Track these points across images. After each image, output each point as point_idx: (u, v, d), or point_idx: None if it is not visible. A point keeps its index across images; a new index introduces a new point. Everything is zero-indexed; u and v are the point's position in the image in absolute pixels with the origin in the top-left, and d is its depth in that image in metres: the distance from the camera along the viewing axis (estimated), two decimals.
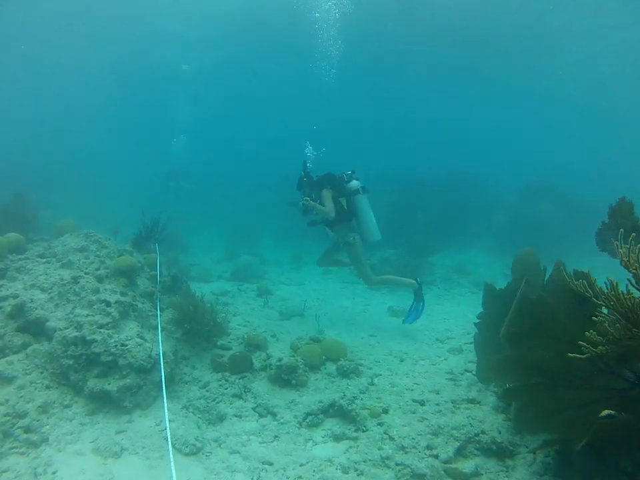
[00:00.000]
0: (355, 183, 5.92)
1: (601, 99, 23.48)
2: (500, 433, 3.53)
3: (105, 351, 3.84)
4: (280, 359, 4.23)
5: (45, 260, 4.66)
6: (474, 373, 4.46)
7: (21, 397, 3.47)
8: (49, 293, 4.22)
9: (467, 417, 3.70)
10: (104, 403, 3.75)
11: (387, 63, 19.64)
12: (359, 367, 4.43)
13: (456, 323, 6.28)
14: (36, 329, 3.97)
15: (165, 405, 3.38)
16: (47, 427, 3.40)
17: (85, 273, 4.55)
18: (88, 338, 3.85)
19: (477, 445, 3.47)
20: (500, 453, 3.37)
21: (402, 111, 27.50)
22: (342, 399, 3.91)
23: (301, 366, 4.22)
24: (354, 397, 3.95)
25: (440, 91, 23.63)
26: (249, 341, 4.70)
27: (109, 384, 3.76)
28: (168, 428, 3.18)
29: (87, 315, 4.07)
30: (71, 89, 26.25)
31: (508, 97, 24.64)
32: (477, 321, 4.31)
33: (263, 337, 4.80)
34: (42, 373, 3.76)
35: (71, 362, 3.77)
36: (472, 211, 11.68)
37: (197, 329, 4.53)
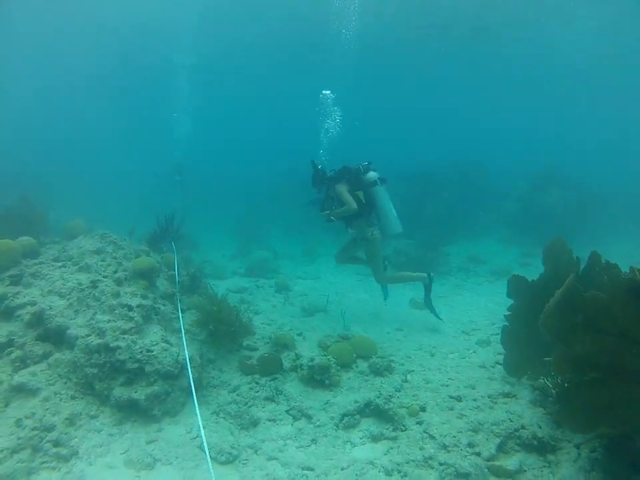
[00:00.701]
0: (372, 174, 5.68)
1: (610, 83, 22.90)
2: (540, 427, 3.40)
3: (130, 357, 3.68)
4: (312, 359, 4.07)
5: (60, 264, 4.48)
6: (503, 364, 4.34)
7: (47, 409, 3.32)
8: (68, 299, 4.04)
9: (506, 412, 3.58)
10: (131, 411, 3.60)
11: (393, 55, 19.26)
12: (391, 364, 4.28)
13: (479, 314, 6.12)
14: (56, 337, 3.81)
15: (198, 413, 3.23)
16: (76, 439, 3.25)
17: (104, 277, 4.37)
18: (112, 345, 3.69)
19: (518, 441, 3.35)
20: (542, 448, 3.24)
21: (409, 102, 27.04)
22: (378, 397, 3.76)
23: (333, 365, 4.07)
24: (390, 396, 3.80)
25: (446, 80, 23.21)
26: (277, 340, 4.54)
27: (136, 392, 3.61)
28: (203, 436, 3.04)
29: (109, 321, 3.90)
30: (69, 87, 25.87)
31: (515, 84, 24.17)
32: (507, 313, 4.17)
33: (290, 336, 4.64)
34: (66, 383, 3.60)
35: (95, 370, 3.61)
36: (481, 200, 11.47)
37: (222, 330, 4.36)
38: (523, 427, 3.40)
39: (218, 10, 16.69)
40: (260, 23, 17.18)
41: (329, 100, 8.02)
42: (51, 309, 3.87)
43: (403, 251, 9.36)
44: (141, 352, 3.73)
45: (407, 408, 3.70)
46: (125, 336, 3.81)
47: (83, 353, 3.68)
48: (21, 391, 3.37)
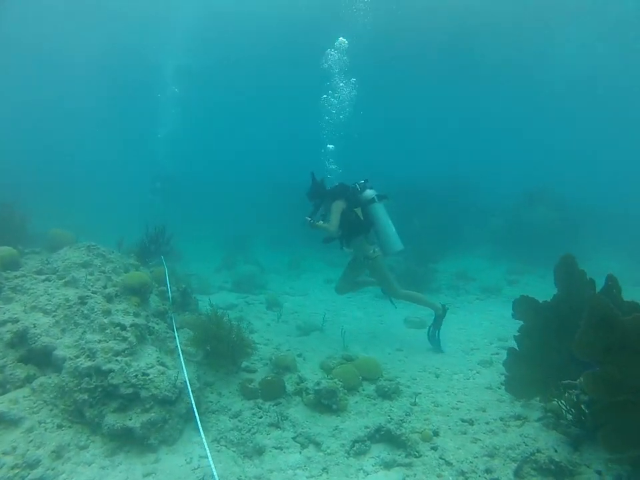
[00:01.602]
0: (369, 192, 5.62)
1: (596, 102, 23.97)
2: (556, 451, 3.34)
3: (124, 382, 3.37)
4: (318, 383, 3.87)
5: (44, 277, 4.11)
6: None
7: (31, 441, 2.97)
8: (54, 316, 3.70)
9: (520, 435, 3.51)
10: (125, 441, 3.28)
11: (379, 67, 19.59)
12: (399, 387, 4.14)
13: (475, 332, 6.11)
14: (41, 359, 3.46)
15: (205, 441, 2.98)
16: (64, 475, 2.91)
17: (93, 292, 4.04)
18: (104, 368, 3.38)
19: (534, 465, 3.26)
20: (559, 472, 3.16)
21: (396, 115, 27.48)
22: (389, 422, 3.60)
23: (340, 389, 3.89)
24: (401, 420, 3.65)
25: (435, 94, 23.76)
26: (277, 362, 4.32)
27: (131, 419, 3.30)
28: (213, 467, 2.78)
29: (100, 341, 3.59)
30: (54, 90, 24.89)
31: (504, 101, 24.96)
32: (516, 334, 4.15)
33: (292, 358, 4.42)
34: (52, 410, 3.25)
35: (86, 396, 3.28)
36: (467, 216, 11.71)
37: (222, 350, 4.10)
38: (538, 451, 3.33)
39: (213, 14, 16.56)
40: (254, 30, 17.12)
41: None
42: (35, 327, 3.52)
43: (392, 267, 9.36)
44: (136, 376, 3.43)
45: (420, 433, 3.56)
46: (118, 358, 3.50)
47: (72, 376, 3.34)
48: (0, 421, 3.01)
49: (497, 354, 5.24)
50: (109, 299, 4.08)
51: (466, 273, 9.20)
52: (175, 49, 18.71)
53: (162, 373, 3.58)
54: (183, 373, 3.65)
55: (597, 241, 10.44)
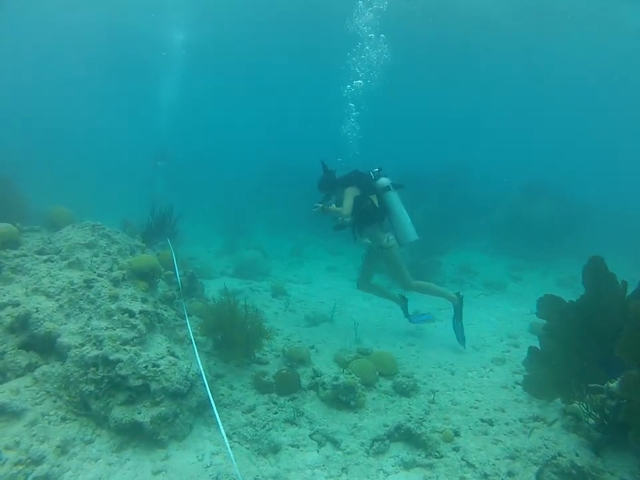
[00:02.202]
0: (384, 180, 5.41)
1: (599, 98, 23.77)
2: (578, 455, 3.24)
3: (133, 373, 3.16)
4: (336, 378, 3.71)
5: (45, 257, 3.83)
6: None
7: (34, 435, 2.76)
8: (57, 300, 3.45)
9: (540, 438, 3.42)
10: (133, 435, 3.09)
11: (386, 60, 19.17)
12: (416, 384, 4.01)
13: (484, 329, 5.99)
14: (44, 346, 3.22)
15: (229, 451, 2.80)
16: (69, 472, 2.71)
17: (98, 275, 3.80)
18: (111, 357, 3.16)
19: (555, 469, 3.16)
20: (581, 478, 3.09)
21: (399, 107, 26.99)
22: (409, 421, 3.48)
23: (358, 384, 3.74)
24: (421, 419, 3.53)
25: (438, 88, 23.36)
26: (292, 354, 4.14)
27: (140, 413, 3.10)
28: (236, 466, 2.62)
29: (107, 328, 3.36)
30: (51, 65, 23.91)
31: (506, 95, 24.60)
32: (542, 332, 4.04)
33: (306, 351, 4.25)
34: (55, 401, 3.04)
35: (92, 387, 3.07)
36: (467, 209, 11.55)
37: (236, 340, 3.90)
38: (560, 455, 3.23)
39: None
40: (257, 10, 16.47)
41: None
42: (37, 311, 3.27)
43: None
44: (146, 367, 3.22)
45: (441, 433, 3.44)
46: (127, 347, 3.29)
47: (77, 366, 3.12)
48: (1, 413, 2.79)
49: (508, 352, 5.15)
50: (115, 282, 3.84)
51: (469, 266, 9.11)
52: (176, 22, 18.01)
53: (173, 364, 3.37)
54: (197, 363, 3.45)
55: (594, 237, 10.41)
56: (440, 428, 3.48)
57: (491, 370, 4.62)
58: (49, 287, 3.49)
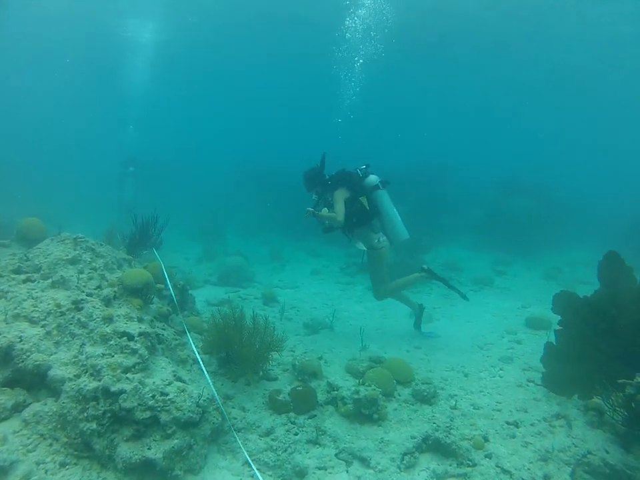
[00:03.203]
0: (372, 178, 5.30)
1: (573, 95, 24.26)
2: (608, 452, 3.24)
3: (139, 404, 2.80)
4: (357, 391, 3.50)
5: (24, 277, 3.35)
6: (537, 382, 4.22)
7: None
8: (44, 326, 3.00)
9: (568, 436, 3.41)
10: (143, 474, 2.73)
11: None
12: (436, 390, 3.88)
13: (482, 326, 6.00)
14: (32, 382, 2.79)
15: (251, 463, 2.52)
16: None
17: (87, 295, 3.37)
18: (113, 389, 2.78)
19: (587, 468, 3.14)
20: (615, 476, 3.06)
21: (377, 104, 26.93)
22: (436, 430, 3.33)
23: (380, 396, 3.55)
24: (449, 427, 3.39)
25: (415, 83, 23.43)
26: (303, 368, 3.88)
27: (150, 449, 2.74)
28: None
29: (104, 355, 2.97)
30: (17, 66, 21.99)
31: (484, 90, 24.97)
32: (557, 328, 4.04)
33: (318, 363, 4.00)
34: (51, 445, 2.62)
35: (94, 425, 2.68)
36: (447, 207, 11.72)
37: (244, 356, 3.59)
38: (590, 453, 3.22)
39: None
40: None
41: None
42: (21, 341, 2.82)
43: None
44: (153, 396, 2.87)
45: (470, 440, 3.32)
46: (129, 375, 2.92)
47: (74, 401, 2.72)
48: None
49: (512, 349, 5.16)
50: (107, 302, 3.43)
51: (455, 263, 9.20)
52: (147, 21, 17.11)
53: (182, 391, 3.03)
54: (210, 387, 3.13)
55: (569, 232, 10.87)
56: (469, 435, 3.37)
57: (501, 369, 4.58)
58: (32, 312, 3.04)
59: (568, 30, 15.47)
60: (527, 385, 4.21)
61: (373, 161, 5.53)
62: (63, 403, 2.71)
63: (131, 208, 10.18)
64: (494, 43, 17.53)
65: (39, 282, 3.35)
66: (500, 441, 3.37)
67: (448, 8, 14.43)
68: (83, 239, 3.85)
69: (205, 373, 3.22)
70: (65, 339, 3.02)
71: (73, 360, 2.91)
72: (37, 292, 3.22)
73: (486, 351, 5.10)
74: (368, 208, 5.18)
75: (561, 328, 3.94)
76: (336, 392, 3.66)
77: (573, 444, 3.34)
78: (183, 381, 3.20)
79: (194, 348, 3.49)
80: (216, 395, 3.06)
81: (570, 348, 3.86)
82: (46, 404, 2.72)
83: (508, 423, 3.56)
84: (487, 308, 6.83)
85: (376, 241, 5.21)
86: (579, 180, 18.16)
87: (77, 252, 3.71)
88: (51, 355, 2.88)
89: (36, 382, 2.79)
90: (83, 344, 3.04)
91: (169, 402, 2.90)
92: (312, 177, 5.32)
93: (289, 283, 8.18)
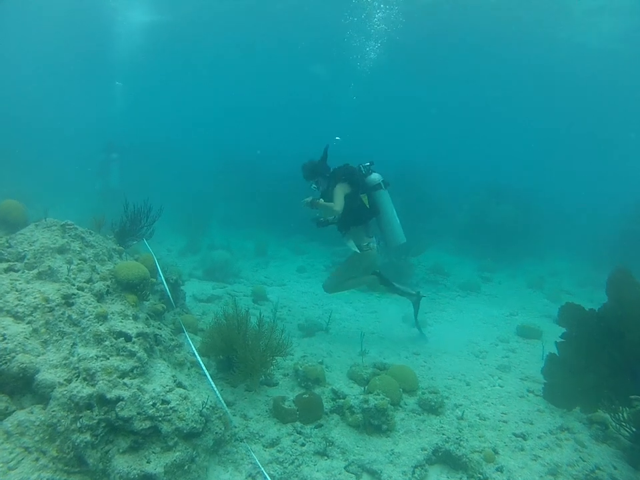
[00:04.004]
0: (375, 176, 5.13)
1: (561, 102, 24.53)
2: (616, 468, 3.28)
3: (138, 414, 2.52)
4: (366, 400, 3.34)
5: (6, 266, 2.97)
6: (536, 393, 4.23)
7: None
8: (30, 323, 2.66)
9: (575, 450, 3.42)
10: None
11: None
12: (443, 400, 3.78)
13: (474, 332, 5.98)
14: (17, 386, 2.45)
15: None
16: None
17: (78, 288, 3.03)
18: (109, 396, 2.49)
19: None
20: None
21: (364, 107, 26.65)
22: (446, 442, 3.23)
23: (389, 406, 3.41)
24: (458, 439, 3.30)
25: (397, 87, 23.39)
26: (307, 374, 3.68)
27: (149, 462, 2.48)
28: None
29: (98, 357, 2.67)
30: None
31: (469, 96, 25.15)
32: (559, 340, 4.04)
33: (321, 369, 3.81)
34: (37, 460, 2.31)
35: (87, 436, 2.39)
36: (429, 211, 11.73)
37: (247, 360, 3.35)
38: (598, 468, 3.25)
39: None
40: None
41: None
42: (4, 339, 2.48)
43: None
44: (154, 404, 2.59)
45: (480, 452, 3.24)
46: (126, 380, 2.63)
47: (65, 409, 2.41)
48: None
49: (507, 357, 5.17)
50: (99, 297, 3.10)
51: (441, 267, 9.22)
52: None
53: (184, 398, 2.77)
54: (216, 395, 2.89)
55: (550, 240, 11.16)
56: (478, 447, 3.29)
57: (499, 378, 4.56)
58: (17, 306, 2.69)
59: (553, 36, 15.88)
60: (528, 396, 4.19)
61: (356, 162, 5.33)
62: (53, 411, 2.40)
63: (116, 195, 9.66)
64: (484, 48, 17.80)
65: (23, 272, 2.98)
66: (509, 454, 3.31)
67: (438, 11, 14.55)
68: (72, 226, 3.48)
69: (210, 380, 2.98)
70: (54, 338, 2.69)
71: (64, 362, 2.59)
72: (21, 283, 2.85)
73: (482, 359, 5.08)
74: (368, 206, 5.03)
75: (563, 340, 3.95)
76: (342, 400, 3.50)
77: (581, 458, 3.34)
78: (184, 387, 2.93)
79: (195, 352, 3.23)
80: (223, 404, 2.83)
81: (573, 360, 3.87)
82: (32, 412, 2.40)
83: (515, 435, 3.52)
84: (475, 314, 6.86)
85: (365, 244, 5.05)
86: (560, 188, 18.73)
87: (66, 240, 3.34)
88: (39, 355, 2.55)
89: (20, 386, 2.46)
90: (75, 344, 2.72)
91: (170, 411, 2.64)
92: (314, 166, 5.12)
93: (275, 280, 7.93)
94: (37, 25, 19.62)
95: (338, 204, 4.73)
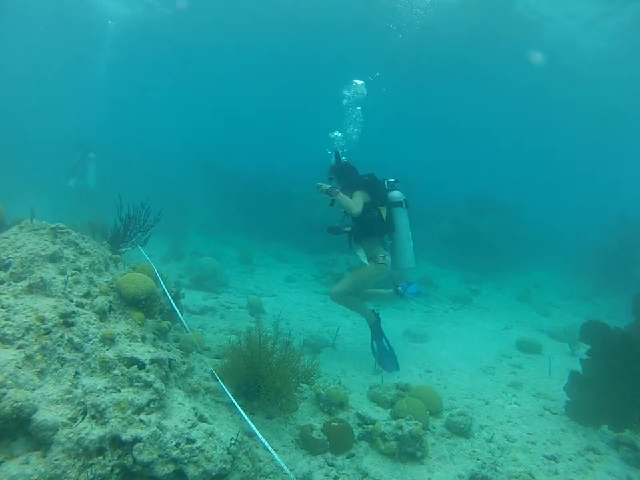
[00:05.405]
0: (397, 194, 4.91)
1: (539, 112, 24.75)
2: None
3: (160, 456, 2.12)
4: (400, 427, 3.06)
5: None
6: (552, 411, 4.13)
7: None
8: (22, 348, 2.17)
9: (608, 474, 3.30)
10: None
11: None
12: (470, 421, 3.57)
13: (474, 348, 5.83)
14: (8, 429, 1.96)
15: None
16: None
17: (77, 305, 2.56)
18: (124, 437, 2.07)
19: None
20: None
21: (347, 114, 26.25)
22: (483, 468, 3.04)
23: (422, 431, 3.15)
24: (493, 464, 3.10)
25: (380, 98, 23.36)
26: (330, 398, 3.36)
27: None
28: None
29: (108, 389, 2.23)
30: None
31: (451, 106, 25.15)
32: (585, 357, 3.96)
33: (344, 392, 3.50)
34: None
35: None
36: (417, 219, 11.70)
37: (271, 387, 2.99)
38: None
39: None
40: None
41: None
42: None
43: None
44: (177, 444, 2.19)
45: (517, 478, 3.06)
46: (143, 416, 2.21)
47: (72, 456, 1.95)
48: None
49: (514, 373, 5.08)
50: (102, 315, 2.64)
51: (430, 279, 9.16)
52: None
53: (210, 434, 2.38)
54: (255, 433, 2.51)
55: (532, 252, 11.43)
56: (515, 472, 3.10)
57: (514, 395, 4.43)
58: (5, 327, 2.19)
59: (535, 50, 16.46)
60: (547, 415, 4.08)
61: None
62: (56, 460, 1.92)
63: (92, 196, 8.93)
64: (466, 61, 18.14)
65: (9, 284, 2.46)
66: (545, 478, 3.14)
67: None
68: (64, 230, 2.97)
69: (244, 416, 2.60)
70: (53, 367, 2.21)
71: (66, 396, 2.12)
72: (7, 298, 2.35)
73: (491, 375, 4.95)
74: (385, 220, 4.79)
75: (588, 357, 3.87)
76: (371, 426, 3.20)
77: None
78: (205, 420, 2.53)
79: (223, 385, 2.83)
80: (266, 443, 2.44)
81: (597, 378, 3.79)
82: (28, 462, 1.92)
83: (547, 458, 3.37)
84: (472, 328, 6.79)
85: (381, 255, 4.79)
86: (542, 201, 19.26)
87: (58, 246, 2.84)
88: (35, 389, 2.08)
89: (11, 429, 1.97)
90: (78, 373, 2.25)
91: (197, 451, 2.24)
92: (345, 168, 4.88)
93: (265, 290, 7.52)
94: (14, 21, 18.22)
95: (358, 204, 4.48)
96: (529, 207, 14.50)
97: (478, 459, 3.16)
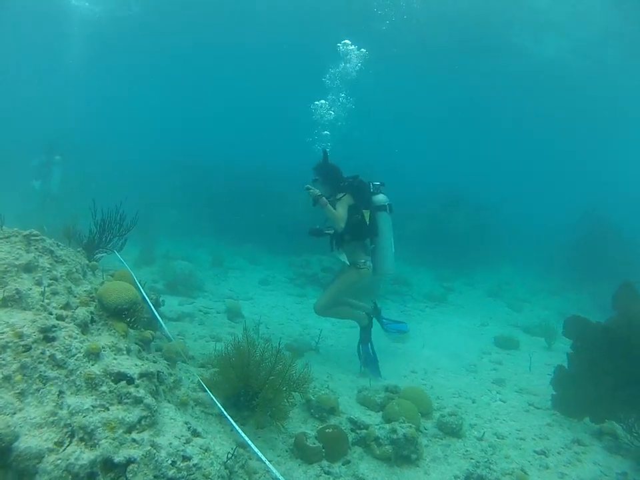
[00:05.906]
0: (381, 197, 4.86)
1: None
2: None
3: (155, 477, 2.00)
4: (394, 430, 3.05)
5: None
6: (536, 406, 4.28)
7: None
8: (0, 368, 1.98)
9: (594, 464, 3.47)
10: None
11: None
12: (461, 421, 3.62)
13: (454, 346, 5.96)
14: None
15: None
16: None
17: (58, 318, 2.36)
18: (117, 459, 1.93)
19: None
20: None
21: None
22: (477, 467, 3.08)
23: (417, 433, 3.16)
24: (487, 462, 3.16)
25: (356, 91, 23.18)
26: (320, 404, 3.30)
27: None
28: None
29: (95, 408, 2.07)
30: None
31: (424, 102, 25.19)
32: (569, 352, 4.11)
33: (334, 397, 3.45)
34: None
35: None
36: None
37: (263, 397, 2.90)
38: None
39: None
40: None
41: None
42: None
43: (331, 269, 8.90)
44: (173, 463, 2.08)
45: (511, 474, 3.14)
46: (135, 435, 2.08)
47: None
48: None
49: (496, 370, 5.24)
50: (83, 328, 2.46)
51: (404, 278, 9.27)
52: None
53: (205, 450, 2.28)
54: (244, 440, 2.41)
55: (501, 249, 11.81)
56: (508, 469, 3.17)
57: (498, 392, 4.57)
58: None
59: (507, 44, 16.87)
60: (532, 410, 4.22)
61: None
62: None
63: (57, 201, 8.41)
64: (445, 57, 18.37)
65: None
66: (537, 473, 3.25)
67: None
68: (38, 237, 2.75)
69: (237, 428, 2.49)
70: (34, 387, 2.02)
71: (50, 419, 1.95)
72: None
73: (474, 373, 5.07)
74: (368, 224, 4.75)
75: (572, 352, 4.03)
76: (365, 431, 3.18)
77: (602, 472, 3.36)
78: (199, 434, 2.42)
79: (210, 394, 2.71)
80: (262, 457, 2.34)
81: (581, 372, 3.95)
82: None
83: (537, 453, 3.48)
84: (450, 326, 6.94)
85: (363, 261, 4.75)
86: (510, 198, 19.57)
87: (32, 255, 2.62)
88: (15, 413, 1.89)
89: None
90: (62, 392, 2.08)
91: (194, 468, 2.14)
92: (331, 171, 4.79)
93: (240, 293, 7.35)
94: None
95: (342, 215, 4.46)
96: (500, 206, 15.03)
97: (472, 458, 3.21)
